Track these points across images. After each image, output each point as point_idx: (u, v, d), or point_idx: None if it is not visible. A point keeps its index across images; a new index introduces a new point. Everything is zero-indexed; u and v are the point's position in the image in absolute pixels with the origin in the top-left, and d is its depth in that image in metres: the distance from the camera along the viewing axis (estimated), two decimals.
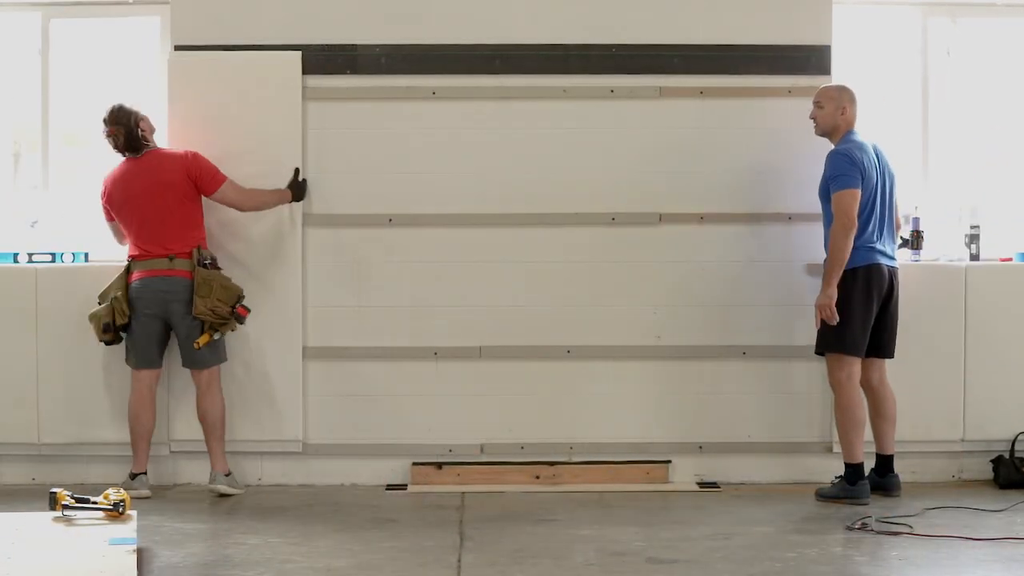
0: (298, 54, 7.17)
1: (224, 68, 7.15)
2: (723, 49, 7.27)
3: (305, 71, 7.18)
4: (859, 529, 6.20)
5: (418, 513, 6.65)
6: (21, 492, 6.99)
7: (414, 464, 7.28)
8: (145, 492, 6.88)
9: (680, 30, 7.27)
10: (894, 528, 6.20)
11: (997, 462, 7.21)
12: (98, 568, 5.16)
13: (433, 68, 7.25)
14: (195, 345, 6.90)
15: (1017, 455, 7.19)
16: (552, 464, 7.28)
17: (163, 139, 7.18)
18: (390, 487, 7.20)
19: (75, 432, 7.18)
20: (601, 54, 7.27)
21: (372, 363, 7.26)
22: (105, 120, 6.90)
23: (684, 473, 7.32)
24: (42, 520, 5.70)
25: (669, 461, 7.30)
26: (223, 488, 6.96)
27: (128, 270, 6.93)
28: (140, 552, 5.49)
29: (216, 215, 7.12)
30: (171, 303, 6.88)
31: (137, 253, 6.91)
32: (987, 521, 6.40)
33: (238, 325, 6.96)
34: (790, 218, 7.28)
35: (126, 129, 6.89)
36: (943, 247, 7.51)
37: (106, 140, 6.94)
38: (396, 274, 7.23)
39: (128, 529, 5.56)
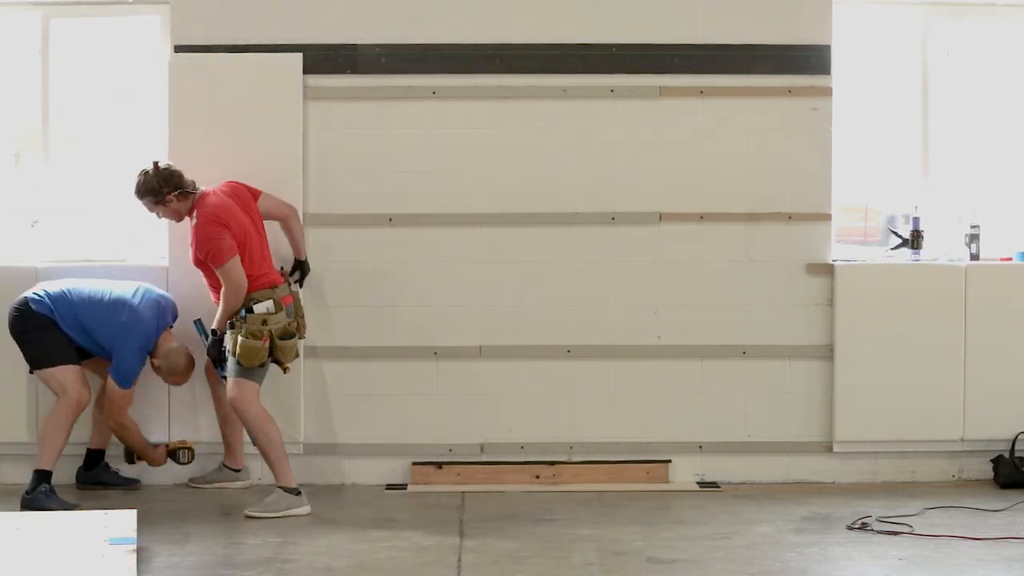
0: (299, 54, 7.17)
1: (225, 68, 7.15)
2: (723, 49, 7.27)
3: (306, 71, 7.18)
4: (859, 529, 6.21)
5: (418, 513, 6.65)
6: (21, 492, 6.98)
7: (414, 464, 7.28)
8: (307, 508, 6.63)
9: (680, 30, 7.27)
10: (894, 528, 6.21)
11: (997, 462, 7.20)
12: (98, 568, 5.17)
13: (433, 68, 7.25)
14: (284, 368, 6.80)
15: (1017, 454, 7.18)
16: (552, 464, 7.28)
17: (164, 139, 7.18)
18: (390, 487, 7.20)
19: (74, 432, 7.17)
20: (601, 54, 7.27)
21: (372, 363, 7.26)
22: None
23: (684, 473, 7.32)
24: (42, 520, 5.70)
25: (669, 461, 7.30)
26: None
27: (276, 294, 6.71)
28: (140, 552, 5.49)
29: None
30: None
31: (271, 280, 6.72)
32: (987, 521, 6.40)
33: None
34: (790, 218, 7.28)
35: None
36: (943, 247, 7.51)
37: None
38: (396, 274, 7.23)
39: (128, 529, 5.57)
